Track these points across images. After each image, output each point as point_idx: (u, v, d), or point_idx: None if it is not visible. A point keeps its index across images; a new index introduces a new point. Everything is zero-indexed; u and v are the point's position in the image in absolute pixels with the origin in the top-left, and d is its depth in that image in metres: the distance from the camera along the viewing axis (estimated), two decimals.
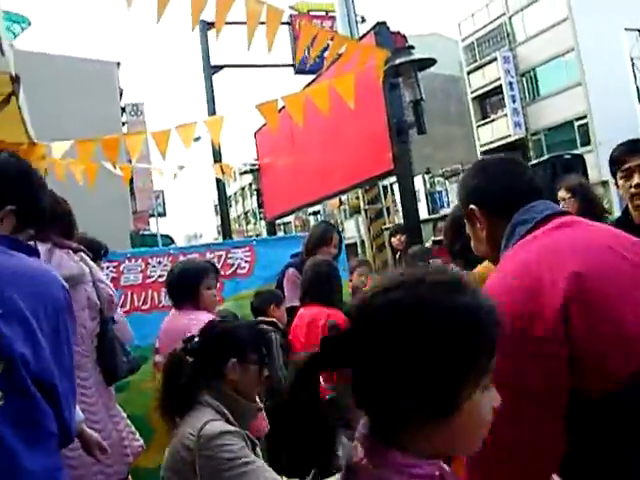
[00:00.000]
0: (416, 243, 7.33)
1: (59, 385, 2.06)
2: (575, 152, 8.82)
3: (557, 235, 2.20)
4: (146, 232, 36.60)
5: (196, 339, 3.16)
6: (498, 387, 1.54)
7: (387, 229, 13.38)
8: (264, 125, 11.80)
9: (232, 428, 2.88)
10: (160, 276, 6.33)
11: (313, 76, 11.25)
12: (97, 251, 4.60)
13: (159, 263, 6.56)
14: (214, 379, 3.04)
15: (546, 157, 9.01)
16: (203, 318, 4.67)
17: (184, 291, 4.94)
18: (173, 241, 30.99)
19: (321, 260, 5.75)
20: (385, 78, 7.21)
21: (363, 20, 14.81)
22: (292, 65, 15.40)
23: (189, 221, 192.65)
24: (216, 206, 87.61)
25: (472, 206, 2.43)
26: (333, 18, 14.70)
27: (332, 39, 6.80)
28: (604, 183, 27.31)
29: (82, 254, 4.04)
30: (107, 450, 3.46)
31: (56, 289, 2.18)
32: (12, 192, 2.32)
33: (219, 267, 6.64)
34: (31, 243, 2.48)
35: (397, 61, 6.92)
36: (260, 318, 5.80)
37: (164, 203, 46.57)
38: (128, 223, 32.26)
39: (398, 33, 7.61)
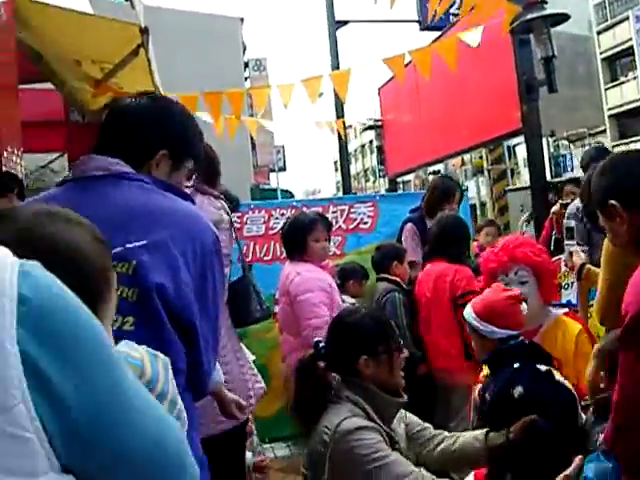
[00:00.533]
0: (543, 206, 7.16)
1: (199, 327, 2.07)
2: None
3: None
4: (266, 186, 36.99)
5: (322, 344, 3.13)
6: None
7: (510, 190, 13.19)
8: (388, 81, 11.74)
9: (369, 424, 2.85)
10: (282, 228, 6.40)
11: (438, 33, 11.09)
12: (231, 202, 4.67)
13: (282, 215, 6.65)
14: (350, 376, 3.01)
15: None
16: (299, 269, 4.87)
17: (293, 243, 5.06)
18: (293, 196, 31.06)
19: (449, 215, 5.71)
20: (515, 34, 7.05)
21: None
22: (418, 21, 15.13)
23: (308, 177, 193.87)
24: (335, 162, 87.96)
25: (613, 202, 2.43)
26: None
27: None
28: None
29: (223, 202, 4.08)
30: (245, 408, 3.48)
31: (207, 235, 2.20)
32: (170, 136, 2.33)
33: (342, 221, 6.69)
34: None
35: (529, 16, 6.73)
36: (383, 275, 5.79)
37: (284, 158, 46.82)
38: (249, 177, 32.61)
39: None
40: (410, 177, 49.78)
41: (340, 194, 29.44)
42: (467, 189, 8.17)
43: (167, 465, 1.25)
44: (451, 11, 14.97)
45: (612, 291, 3.31)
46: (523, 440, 2.92)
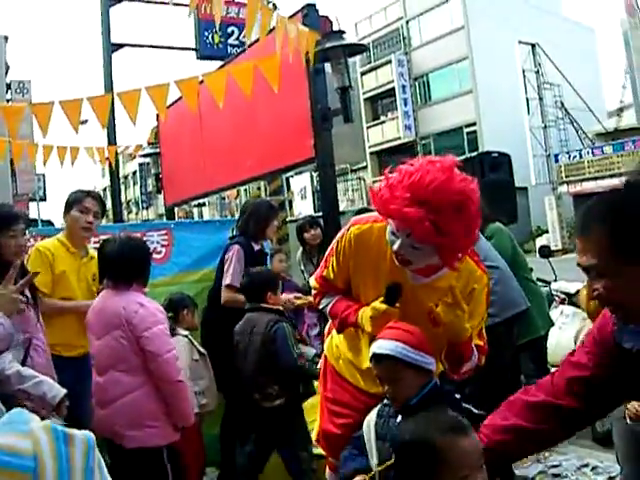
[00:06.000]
0: (335, 234, 7.05)
1: None
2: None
3: None
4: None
5: None
6: None
7: (291, 221, 13.19)
8: (168, 107, 11.38)
9: None
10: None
11: (217, 62, 10.91)
12: None
13: None
14: None
15: (475, 154, 9.07)
16: (139, 299, 4.45)
17: (130, 269, 4.57)
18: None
19: None
20: (310, 63, 6.94)
21: (275, 7, 14.46)
22: (195, 49, 14.92)
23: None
24: (99, 192, 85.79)
25: None
26: (241, 5, 14.35)
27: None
28: None
29: None
30: None
31: None
32: None
33: None
34: None
35: (327, 45, 6.63)
36: (260, 305, 5.37)
37: (45, 187, 45.11)
38: None
39: (326, 18, 7.31)
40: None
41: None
42: None
43: None
44: (229, 42, 14.99)
45: None
46: None
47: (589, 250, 2.05)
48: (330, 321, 3.76)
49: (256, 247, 6.22)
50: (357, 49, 6.91)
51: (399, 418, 3.00)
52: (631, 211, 1.98)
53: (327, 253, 3.53)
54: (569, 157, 36.31)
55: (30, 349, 4.20)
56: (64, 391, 3.77)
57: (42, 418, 1.82)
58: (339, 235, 3.43)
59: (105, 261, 4.66)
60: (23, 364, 3.92)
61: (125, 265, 4.54)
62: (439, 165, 2.86)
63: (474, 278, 3.21)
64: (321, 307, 3.65)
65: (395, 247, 2.98)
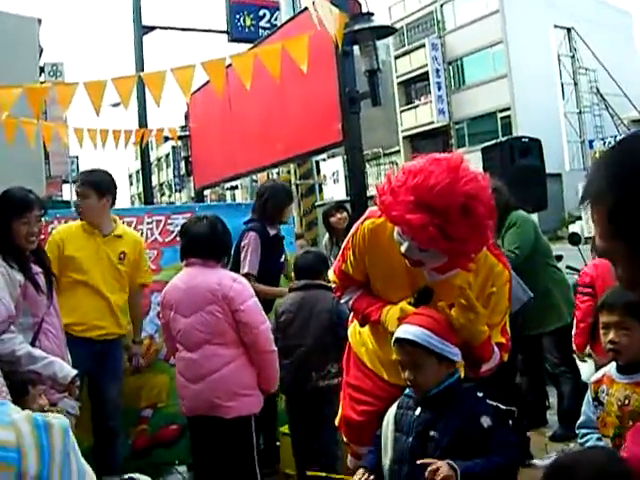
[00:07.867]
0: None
1: None
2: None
3: None
4: (59, 198, 35.58)
5: None
6: None
7: (319, 205, 13.11)
8: (198, 90, 11.35)
9: None
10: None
11: (248, 45, 10.84)
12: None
13: None
14: None
15: (504, 139, 8.93)
16: (231, 275, 4.77)
17: (225, 247, 4.93)
18: None
19: None
20: (340, 45, 6.86)
21: None
22: (226, 32, 14.86)
23: None
24: (130, 176, 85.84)
25: None
26: None
27: None
28: None
29: None
30: None
31: None
32: None
33: (158, 234, 6.22)
34: None
35: (355, 27, 6.54)
36: (319, 282, 5.33)
37: (78, 169, 45.41)
38: (41, 189, 31.16)
39: (355, 0, 7.20)
40: (206, 192, 49.85)
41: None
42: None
43: None
44: (261, 24, 14.93)
45: None
46: None
47: (596, 225, 1.49)
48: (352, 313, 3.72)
49: (272, 232, 6.26)
50: (386, 31, 6.82)
51: (418, 410, 2.96)
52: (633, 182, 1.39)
53: (344, 246, 3.46)
54: (604, 143, 35.89)
55: (40, 333, 4.28)
56: (75, 371, 3.97)
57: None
58: (354, 228, 3.37)
59: (193, 239, 4.77)
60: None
61: (217, 243, 4.77)
62: (445, 165, 2.77)
63: (494, 274, 3.14)
64: (343, 301, 3.62)
65: (403, 249, 2.93)
